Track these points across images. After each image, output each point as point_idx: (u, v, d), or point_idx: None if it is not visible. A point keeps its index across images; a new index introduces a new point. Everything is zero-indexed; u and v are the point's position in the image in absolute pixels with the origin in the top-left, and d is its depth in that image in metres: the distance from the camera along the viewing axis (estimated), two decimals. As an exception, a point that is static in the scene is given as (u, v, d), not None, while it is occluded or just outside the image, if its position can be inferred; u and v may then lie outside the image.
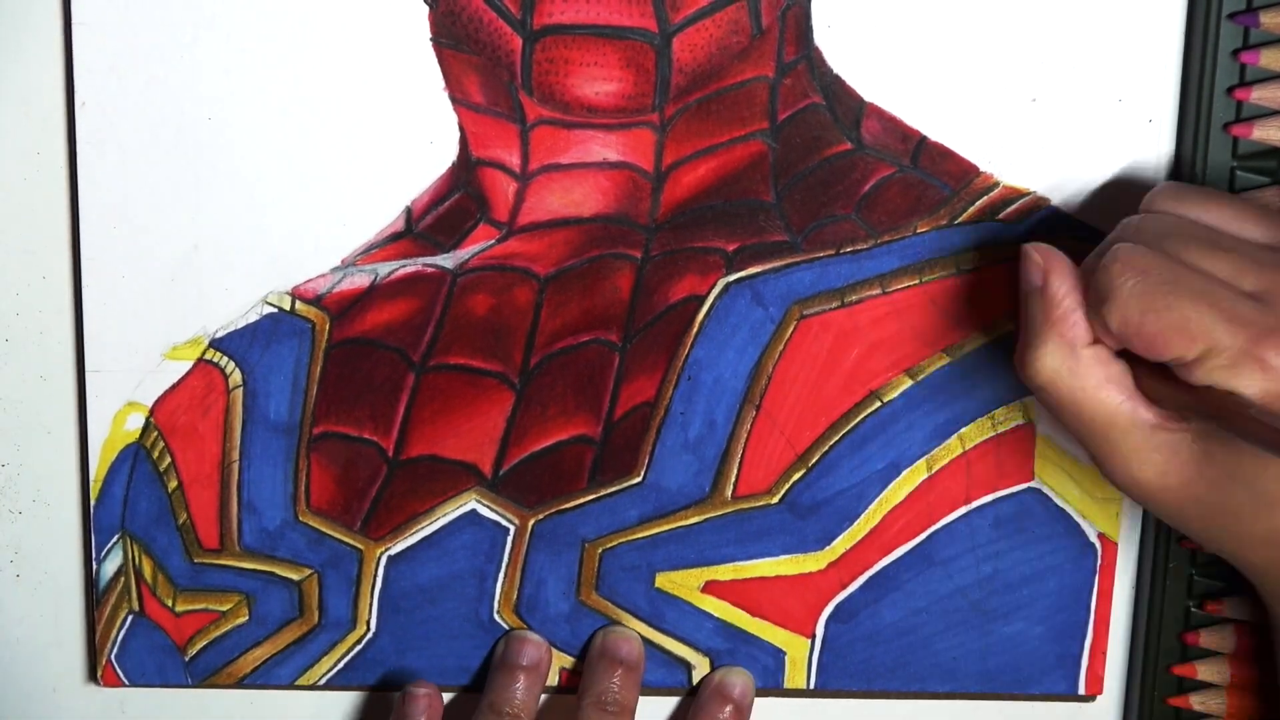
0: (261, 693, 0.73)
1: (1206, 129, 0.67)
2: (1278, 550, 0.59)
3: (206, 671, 0.72)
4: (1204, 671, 0.71)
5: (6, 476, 0.71)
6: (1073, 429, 0.61)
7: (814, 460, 0.70)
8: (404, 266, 0.68)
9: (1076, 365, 0.59)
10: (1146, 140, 0.67)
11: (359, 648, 0.72)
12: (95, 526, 0.70)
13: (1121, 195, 0.68)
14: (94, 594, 0.70)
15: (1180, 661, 0.72)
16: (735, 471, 0.70)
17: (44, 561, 0.71)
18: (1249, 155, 0.67)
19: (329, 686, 0.72)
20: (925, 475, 0.70)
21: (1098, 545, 0.71)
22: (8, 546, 0.71)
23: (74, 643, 0.72)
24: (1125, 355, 0.60)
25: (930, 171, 0.68)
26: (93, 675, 0.72)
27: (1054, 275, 0.60)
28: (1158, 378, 0.59)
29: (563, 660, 0.72)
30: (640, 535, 0.71)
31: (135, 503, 0.70)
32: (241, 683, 0.72)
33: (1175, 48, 0.67)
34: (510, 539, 0.71)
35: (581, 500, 0.70)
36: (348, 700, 0.73)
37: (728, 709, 0.71)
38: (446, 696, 0.73)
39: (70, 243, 0.68)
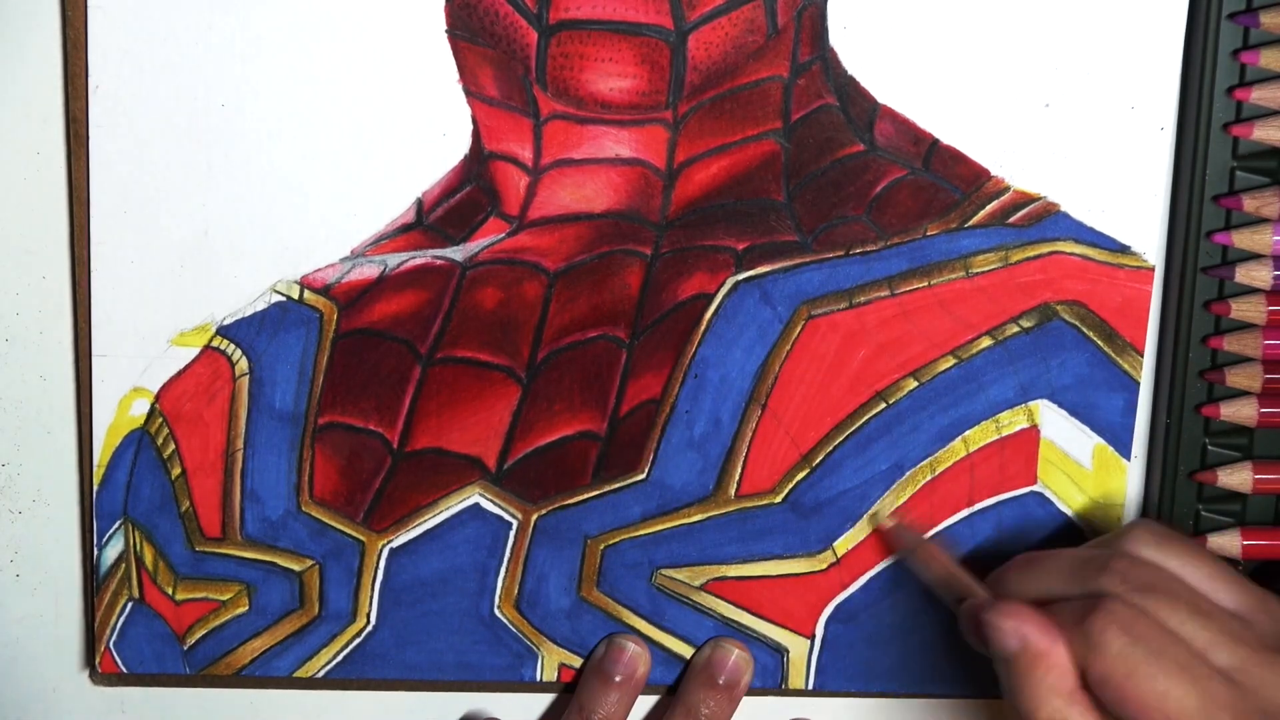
0: (261, 693, 0.72)
1: (1207, 129, 0.67)
2: None
3: (205, 661, 0.71)
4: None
5: (6, 476, 0.70)
6: None
7: (818, 460, 0.70)
8: (413, 258, 0.68)
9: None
10: (1158, 148, 0.68)
11: (358, 640, 0.71)
12: (97, 512, 0.69)
13: (1131, 202, 0.68)
14: (94, 580, 0.70)
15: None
16: (739, 470, 0.70)
17: (44, 561, 0.71)
18: (1249, 155, 0.68)
19: (327, 679, 0.72)
20: (929, 477, 0.70)
21: (1099, 550, 0.71)
22: (8, 546, 0.71)
23: (74, 642, 0.72)
24: None
25: (942, 175, 0.68)
26: (91, 663, 0.71)
27: (1032, 630, 0.60)
28: None
29: (564, 657, 0.72)
30: (643, 532, 0.71)
31: (138, 489, 0.69)
32: (239, 674, 0.71)
33: (1176, 48, 0.67)
34: (513, 534, 0.70)
35: (585, 496, 0.70)
36: (348, 699, 0.73)
37: (713, 689, 0.71)
38: (445, 694, 0.73)
39: (69, 242, 0.67)
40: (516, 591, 0.71)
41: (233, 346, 0.68)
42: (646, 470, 0.70)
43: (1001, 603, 0.61)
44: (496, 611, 0.71)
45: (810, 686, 0.72)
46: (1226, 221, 0.68)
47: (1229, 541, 0.70)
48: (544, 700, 0.73)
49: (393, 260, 0.68)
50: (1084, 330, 0.69)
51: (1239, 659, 0.59)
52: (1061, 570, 0.63)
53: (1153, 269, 0.69)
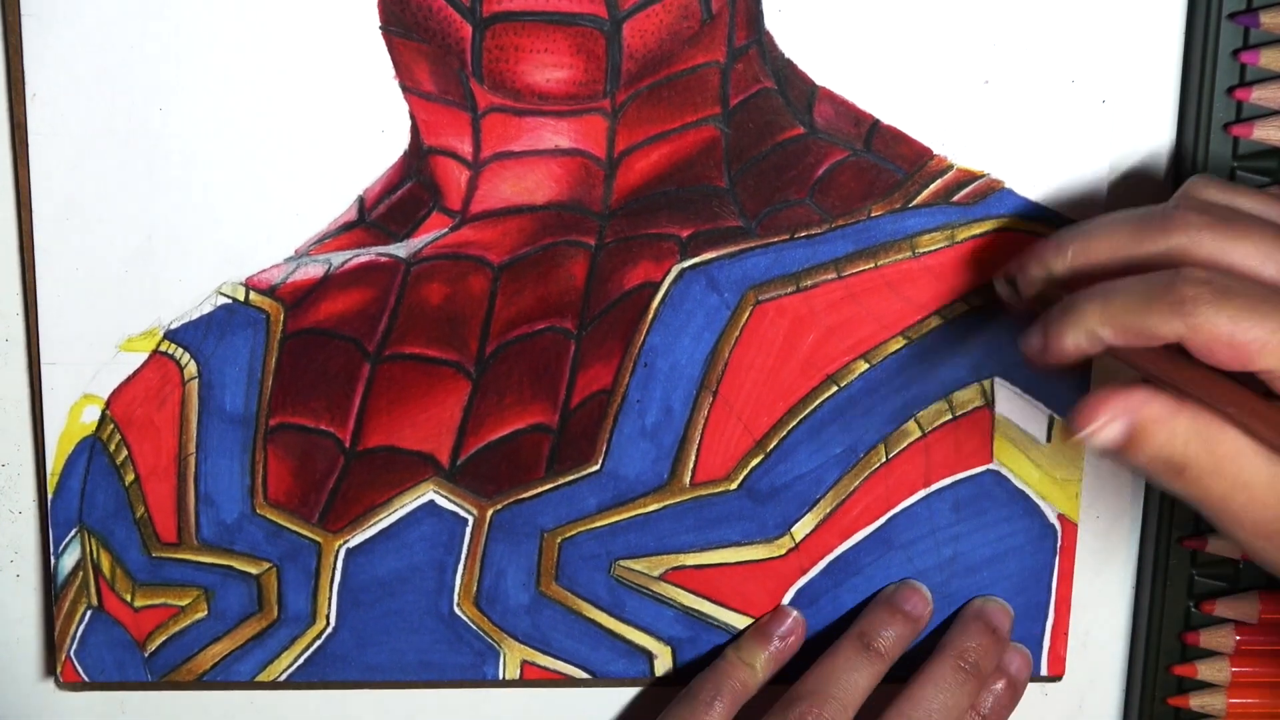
0: (225, 695, 0.72)
1: (1207, 129, 0.67)
2: None
3: (166, 668, 0.71)
4: (1204, 671, 0.71)
5: (7, 476, 0.70)
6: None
7: (771, 446, 0.70)
8: (357, 256, 0.68)
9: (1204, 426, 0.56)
10: (1100, 122, 0.67)
11: (319, 642, 0.71)
12: (53, 520, 0.69)
13: (1075, 178, 0.68)
14: (53, 588, 0.70)
15: (1180, 662, 0.72)
16: (693, 458, 0.70)
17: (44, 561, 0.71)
18: (1249, 155, 0.67)
19: (290, 682, 0.72)
20: (883, 459, 0.70)
21: (1057, 526, 0.71)
22: (8, 546, 0.71)
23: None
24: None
25: (883, 155, 0.68)
26: (52, 672, 0.72)
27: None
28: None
29: (526, 654, 0.72)
30: (599, 524, 0.70)
31: (93, 496, 0.69)
32: (201, 679, 0.71)
33: (1175, 47, 0.67)
34: (469, 530, 0.70)
35: (540, 489, 0.70)
36: (310, 701, 0.73)
37: (988, 636, 0.70)
38: (408, 693, 0.72)
39: (18, 243, 0.67)
40: (475, 588, 0.71)
41: (180, 350, 0.68)
42: (600, 461, 0.70)
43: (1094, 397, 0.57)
44: (456, 609, 0.71)
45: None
46: (1229, 221, 0.68)
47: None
48: (507, 697, 0.73)
49: (337, 259, 0.68)
50: (1032, 305, 0.69)
51: None
52: (1121, 233, 0.59)
53: (1098, 241, 0.68)
